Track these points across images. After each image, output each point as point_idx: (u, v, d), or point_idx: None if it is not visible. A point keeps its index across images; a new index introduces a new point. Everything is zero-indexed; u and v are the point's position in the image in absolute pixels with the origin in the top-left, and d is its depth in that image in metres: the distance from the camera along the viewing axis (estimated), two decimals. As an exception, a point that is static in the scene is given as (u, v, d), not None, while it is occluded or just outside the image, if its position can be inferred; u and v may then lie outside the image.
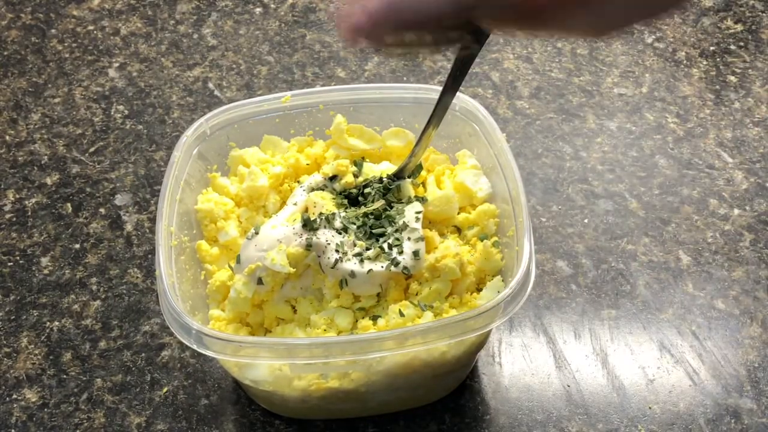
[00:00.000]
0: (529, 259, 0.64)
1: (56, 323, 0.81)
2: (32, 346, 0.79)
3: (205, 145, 0.75)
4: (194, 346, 0.61)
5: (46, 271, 0.85)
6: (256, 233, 0.68)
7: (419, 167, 0.75)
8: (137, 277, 0.84)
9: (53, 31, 1.11)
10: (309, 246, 0.66)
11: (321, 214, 0.68)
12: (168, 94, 1.02)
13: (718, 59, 1.06)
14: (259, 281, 0.66)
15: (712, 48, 1.08)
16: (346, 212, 0.70)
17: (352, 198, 0.72)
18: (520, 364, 0.78)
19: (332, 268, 0.66)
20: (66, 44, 1.09)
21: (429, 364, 0.66)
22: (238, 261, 0.68)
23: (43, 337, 0.80)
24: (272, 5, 1.14)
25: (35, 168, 0.95)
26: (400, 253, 0.66)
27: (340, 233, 0.67)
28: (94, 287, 0.83)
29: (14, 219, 0.90)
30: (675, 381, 0.76)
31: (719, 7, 1.13)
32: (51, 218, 0.89)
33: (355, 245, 0.67)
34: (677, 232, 0.88)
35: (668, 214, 0.89)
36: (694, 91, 1.03)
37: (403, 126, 0.78)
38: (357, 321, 0.67)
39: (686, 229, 0.88)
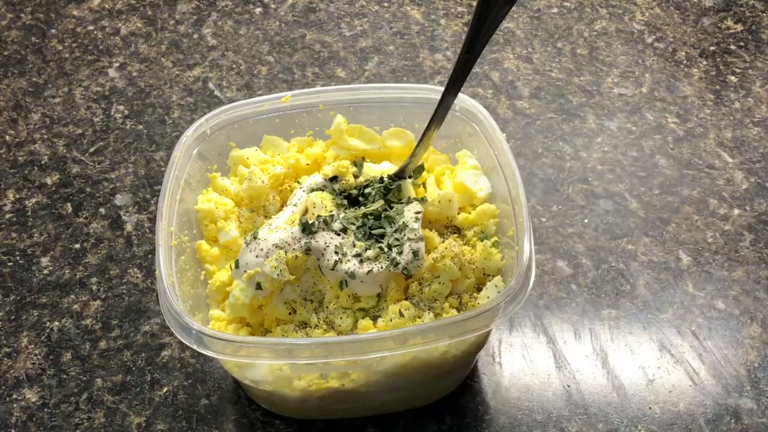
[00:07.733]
0: (529, 259, 0.64)
1: (56, 323, 0.81)
2: (32, 346, 0.79)
3: (205, 145, 0.75)
4: (194, 346, 0.61)
5: (46, 271, 0.85)
6: (255, 238, 0.68)
7: (421, 168, 0.75)
8: (137, 277, 0.84)
9: (53, 31, 1.11)
10: (308, 250, 0.66)
11: (319, 216, 0.68)
12: (168, 94, 1.02)
13: (718, 59, 1.06)
14: (258, 286, 0.66)
15: (712, 48, 1.08)
16: (346, 213, 0.70)
17: (352, 198, 0.72)
18: (520, 364, 0.78)
19: (332, 269, 0.66)
20: (66, 44, 1.09)
21: (429, 364, 0.66)
22: (237, 266, 0.68)
23: (43, 337, 0.80)
24: (272, 5, 1.14)
25: (35, 168, 0.95)
26: (400, 253, 0.66)
27: (339, 234, 0.67)
28: (94, 287, 0.83)
29: (14, 219, 0.90)
30: (675, 381, 0.76)
31: (719, 7, 1.13)
32: (51, 218, 0.89)
33: (354, 246, 0.67)
34: (677, 232, 0.88)
35: (668, 214, 0.89)
36: (694, 91, 1.03)
37: (403, 126, 0.78)
38: (357, 321, 0.67)
39: (686, 229, 0.88)
